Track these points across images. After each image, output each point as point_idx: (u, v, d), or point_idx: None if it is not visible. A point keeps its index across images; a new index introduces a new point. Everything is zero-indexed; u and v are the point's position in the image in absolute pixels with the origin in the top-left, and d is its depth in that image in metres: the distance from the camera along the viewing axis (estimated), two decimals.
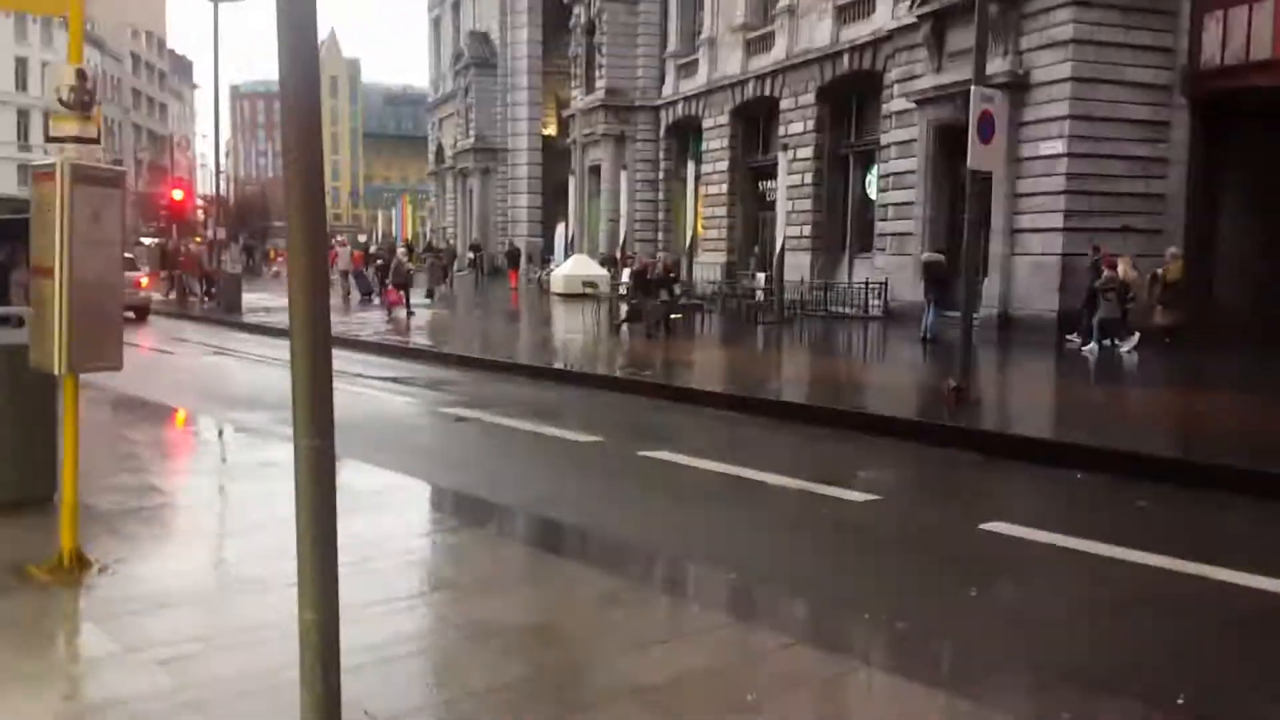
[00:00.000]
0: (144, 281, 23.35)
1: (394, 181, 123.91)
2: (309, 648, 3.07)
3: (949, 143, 21.02)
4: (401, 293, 23.65)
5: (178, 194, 31.96)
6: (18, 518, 5.46)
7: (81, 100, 4.70)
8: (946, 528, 6.93)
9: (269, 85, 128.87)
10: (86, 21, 4.75)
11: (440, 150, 63.56)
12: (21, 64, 61.51)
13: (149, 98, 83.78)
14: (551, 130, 51.60)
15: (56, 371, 4.67)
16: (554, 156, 49.16)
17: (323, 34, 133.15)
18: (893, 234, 24.41)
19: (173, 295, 27.56)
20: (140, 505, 6.32)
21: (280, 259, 32.99)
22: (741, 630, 4.64)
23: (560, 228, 39.02)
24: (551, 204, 47.60)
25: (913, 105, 23.07)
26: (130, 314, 21.64)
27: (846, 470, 8.52)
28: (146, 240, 48.99)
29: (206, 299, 25.51)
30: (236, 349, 18.18)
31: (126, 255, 24.13)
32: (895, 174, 24.33)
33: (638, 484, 8.18)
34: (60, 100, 4.66)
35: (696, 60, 35.14)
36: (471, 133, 54.35)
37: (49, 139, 4.70)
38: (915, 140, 23.15)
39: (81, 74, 4.69)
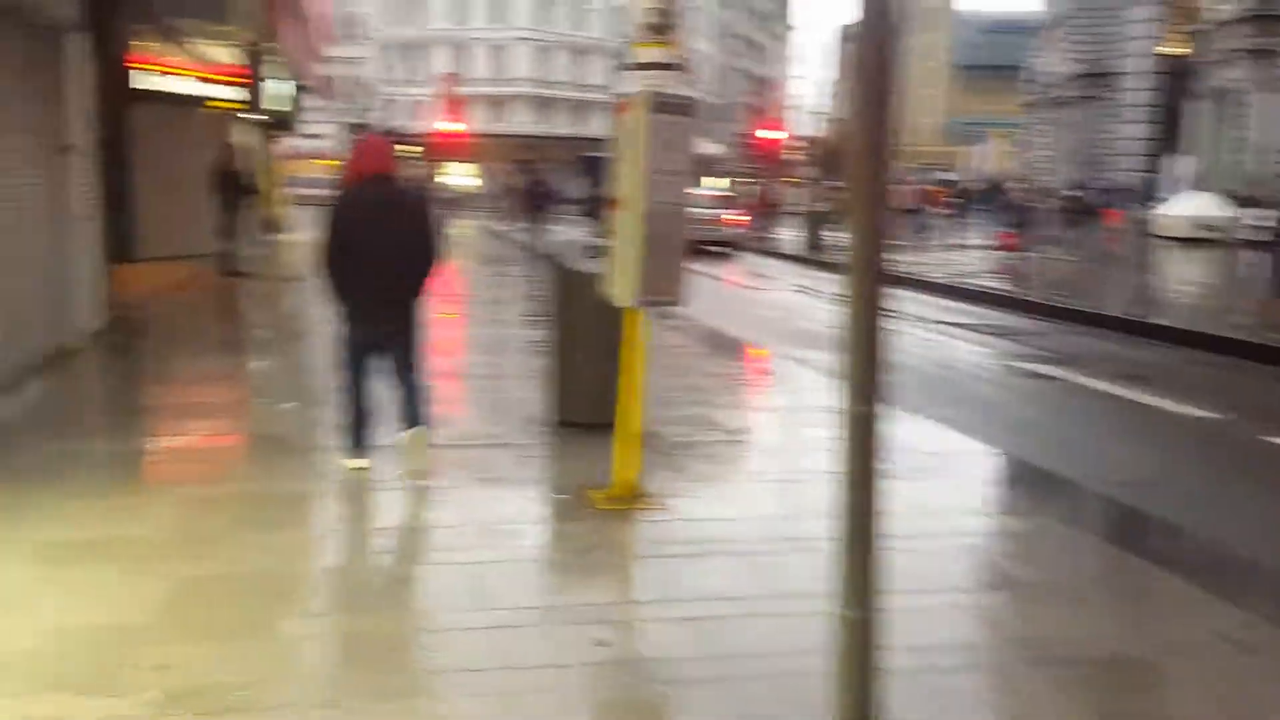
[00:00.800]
0: (734, 218, 24.70)
1: (983, 115, 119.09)
2: (846, 649, 2.61)
3: None
4: (1016, 235, 22.16)
5: (765, 133, 33.40)
6: (592, 440, 5.72)
7: (662, 25, 4.59)
8: None
9: None
10: None
11: (1037, 79, 59.37)
12: (619, 12, 66.55)
13: (749, 39, 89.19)
14: (1173, 49, 45.27)
15: (624, 303, 4.69)
16: (1170, 81, 43.17)
17: None
18: None
19: (761, 232, 28.98)
20: (700, 441, 6.38)
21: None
22: None
23: (1173, 161, 34.15)
24: (1164, 134, 41.97)
25: None
26: (721, 249, 23.13)
27: None
28: (739, 180, 52.63)
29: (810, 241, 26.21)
30: (815, 286, 18.49)
31: (723, 192, 25.82)
32: None
33: (1262, 480, 6.53)
34: (641, 25, 4.59)
35: None
36: (1075, 56, 49.75)
37: (630, 67, 4.67)
38: None
39: None
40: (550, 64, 65.87)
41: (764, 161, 34.62)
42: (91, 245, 8.56)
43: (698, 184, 24.73)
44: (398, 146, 6.17)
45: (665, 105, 4.55)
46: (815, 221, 25.03)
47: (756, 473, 6.03)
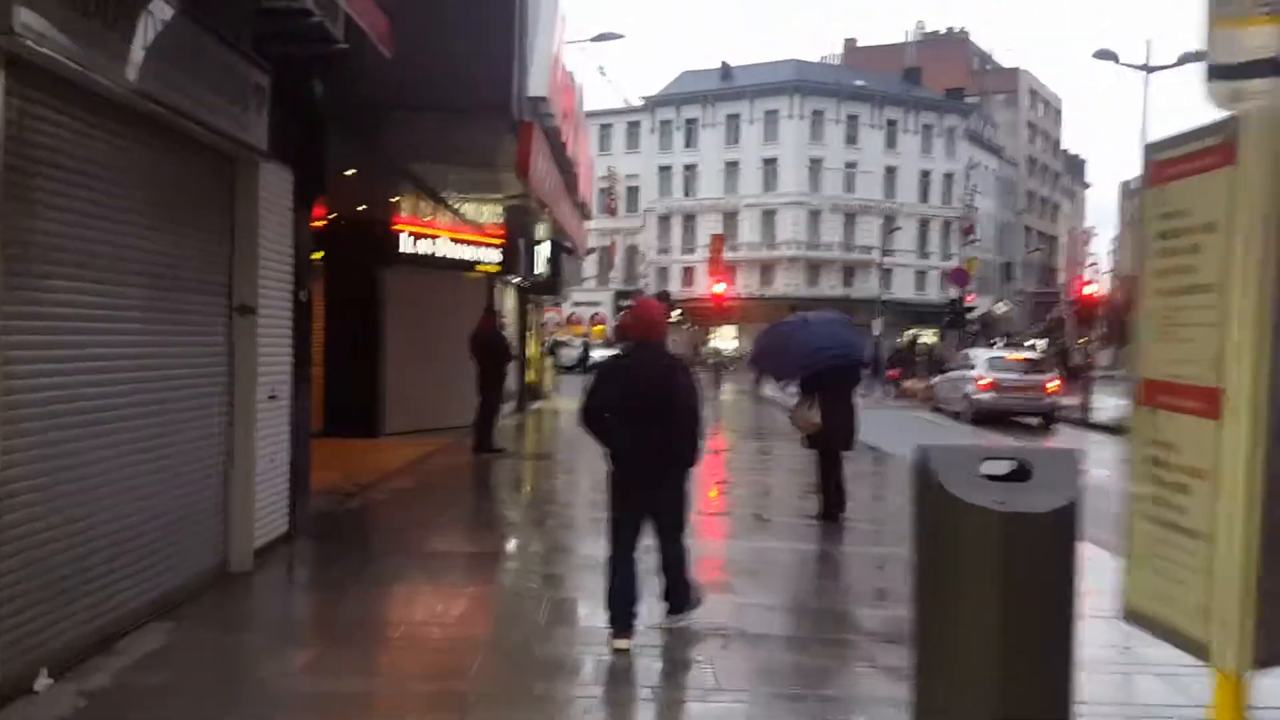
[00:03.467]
0: (1051, 386, 21.03)
1: None
2: None
3: None
4: None
5: (1090, 288, 29.33)
6: None
7: None
8: None
9: None
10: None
11: None
12: (890, 173, 65.56)
13: (1041, 198, 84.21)
14: None
15: (1221, 664, 1.84)
16: None
17: None
18: None
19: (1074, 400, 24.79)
20: None
21: None
22: None
23: None
24: None
25: None
26: (1038, 421, 19.96)
27: None
28: (1039, 341, 47.95)
29: None
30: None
31: (1033, 356, 22.31)
32: None
33: None
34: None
35: None
36: None
37: (1217, 72, 1.97)
38: None
39: None
40: (819, 227, 64.46)
41: (1081, 320, 30.50)
42: (277, 432, 6.67)
43: None
44: (667, 311, 5.95)
45: None
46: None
47: None
